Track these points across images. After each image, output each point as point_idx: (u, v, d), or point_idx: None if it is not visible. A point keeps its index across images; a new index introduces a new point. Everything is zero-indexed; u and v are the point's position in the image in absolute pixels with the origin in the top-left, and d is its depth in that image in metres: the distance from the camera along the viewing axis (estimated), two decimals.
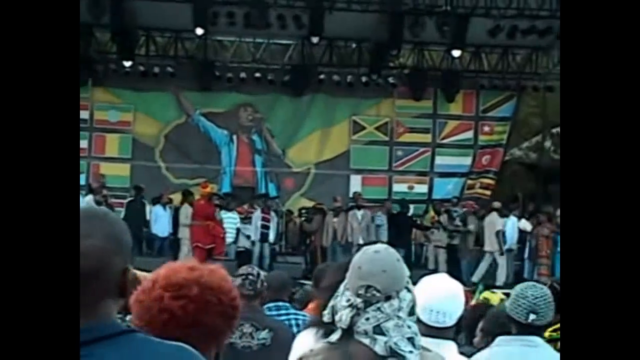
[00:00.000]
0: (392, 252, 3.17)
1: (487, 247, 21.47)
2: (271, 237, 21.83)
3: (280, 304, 6.71)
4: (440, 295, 3.81)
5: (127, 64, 23.83)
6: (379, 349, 3.02)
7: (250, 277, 6.09)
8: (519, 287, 4.62)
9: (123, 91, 24.83)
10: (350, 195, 24.32)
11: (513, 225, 21.78)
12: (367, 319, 3.03)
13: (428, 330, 3.68)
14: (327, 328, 4.42)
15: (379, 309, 3.03)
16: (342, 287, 3.15)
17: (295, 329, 6.22)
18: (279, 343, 5.61)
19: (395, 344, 3.01)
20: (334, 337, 3.12)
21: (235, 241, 21.76)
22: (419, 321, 3.62)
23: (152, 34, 24.80)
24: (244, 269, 6.31)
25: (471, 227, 22.07)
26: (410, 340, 3.04)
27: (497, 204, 21.99)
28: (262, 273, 6.34)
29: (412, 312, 3.11)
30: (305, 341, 4.56)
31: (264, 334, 5.82)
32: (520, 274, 21.10)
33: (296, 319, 6.55)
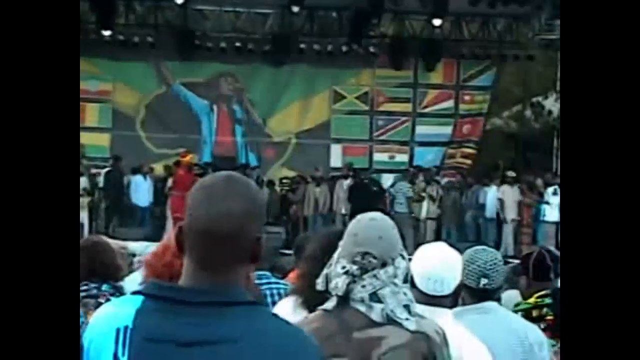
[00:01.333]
0: (387, 219, 3.20)
1: (509, 216, 21.48)
2: None
3: (261, 273, 6.69)
4: (437, 263, 3.80)
5: (107, 33, 23.63)
6: (376, 316, 3.05)
7: None
8: (468, 253, 4.50)
9: (102, 61, 24.61)
10: (335, 165, 24.46)
11: (494, 195, 21.84)
12: (363, 286, 3.06)
13: (425, 299, 3.67)
14: (309, 296, 4.45)
15: (374, 276, 3.06)
16: (335, 255, 3.17)
17: (276, 298, 6.21)
18: None
19: (392, 311, 3.04)
20: (329, 304, 3.14)
21: None
22: (416, 289, 3.65)
23: (132, 3, 24.56)
24: None
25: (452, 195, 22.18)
26: (406, 307, 3.07)
27: (511, 173, 21.91)
28: None
29: (406, 279, 3.14)
30: (285, 309, 4.59)
31: None
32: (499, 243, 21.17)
33: (278, 288, 6.54)
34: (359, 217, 3.22)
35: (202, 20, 25.25)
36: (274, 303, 5.95)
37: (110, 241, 6.40)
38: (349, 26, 24.19)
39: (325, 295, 3.73)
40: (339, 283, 3.07)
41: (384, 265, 3.07)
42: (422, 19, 24.12)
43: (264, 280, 6.58)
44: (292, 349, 2.19)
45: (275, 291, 6.45)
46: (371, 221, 3.16)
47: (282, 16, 24.40)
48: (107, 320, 2.21)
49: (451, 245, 4.13)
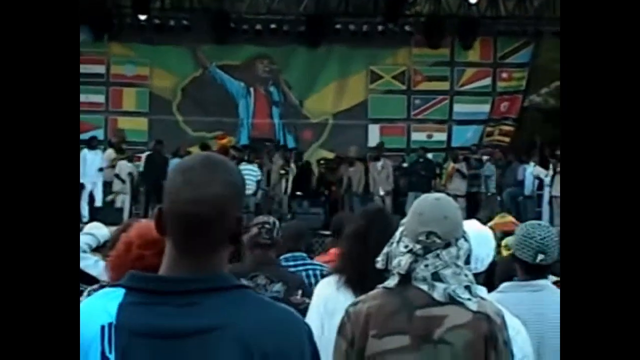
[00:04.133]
0: (452, 200, 3.25)
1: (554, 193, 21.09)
2: (289, 188, 21.87)
3: (297, 254, 6.66)
4: (471, 241, 3.80)
5: (143, 17, 23.70)
6: (438, 295, 3.07)
7: (267, 225, 5.94)
8: (524, 227, 4.49)
9: (139, 45, 24.76)
10: (372, 145, 24.48)
11: (532, 173, 21.70)
12: (426, 265, 3.08)
13: None
14: (352, 275, 4.46)
15: (437, 255, 3.08)
16: (397, 234, 3.18)
17: (312, 280, 6.21)
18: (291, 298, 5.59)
19: (454, 291, 3.06)
20: (391, 282, 3.15)
21: (255, 193, 21.75)
22: None
23: None
24: (260, 218, 6.22)
25: (488, 173, 22.02)
26: (468, 288, 3.09)
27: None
28: (277, 222, 6.26)
29: (468, 260, 3.16)
30: (328, 289, 4.59)
31: (277, 286, 5.78)
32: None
33: (313, 270, 6.52)
34: (423, 196, 3.25)
35: (237, 3, 25.28)
36: (311, 284, 5.95)
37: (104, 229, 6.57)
38: (385, 5, 24.08)
39: (367, 274, 3.76)
40: (402, 262, 3.09)
41: (447, 245, 3.09)
42: None
43: (299, 262, 6.58)
44: (283, 330, 2.16)
45: (311, 272, 6.45)
46: (437, 201, 3.18)
47: None
48: (90, 317, 2.18)
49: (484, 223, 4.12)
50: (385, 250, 3.19)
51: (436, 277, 3.06)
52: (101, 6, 23.43)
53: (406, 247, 3.10)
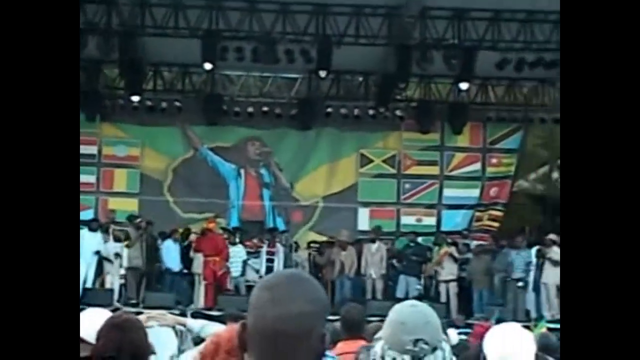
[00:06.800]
0: (425, 305, 3.17)
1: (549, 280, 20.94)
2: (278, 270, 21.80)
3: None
4: (514, 345, 3.77)
5: (135, 98, 23.83)
6: None
7: None
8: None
9: (131, 126, 24.89)
10: (362, 228, 24.62)
11: (522, 257, 21.66)
12: None
13: None
14: None
15: None
16: (378, 350, 3.09)
17: None
18: None
19: None
20: None
21: (243, 274, 21.80)
22: None
23: (160, 69, 24.84)
24: None
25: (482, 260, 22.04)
26: None
27: (553, 236, 21.20)
28: None
29: None
30: None
31: None
32: None
33: None
34: (398, 305, 3.17)
35: (229, 85, 25.50)
36: None
37: (169, 317, 6.38)
38: (376, 90, 24.31)
39: None
40: None
41: (434, 350, 3.03)
42: (448, 82, 24.25)
43: None
44: None
45: None
46: (414, 307, 3.12)
47: (309, 80, 24.57)
48: None
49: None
50: None
51: None
52: (94, 87, 23.57)
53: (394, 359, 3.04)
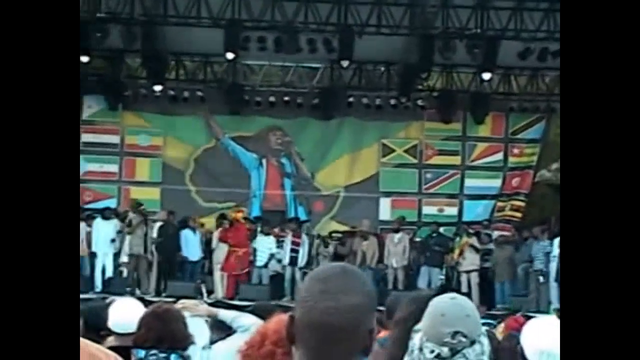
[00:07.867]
0: (466, 298, 3.16)
1: None
2: (302, 261, 21.80)
3: None
4: (552, 338, 3.75)
5: (157, 88, 23.91)
6: None
7: None
8: None
9: (153, 115, 24.96)
10: (383, 218, 24.65)
11: (543, 248, 21.59)
12: None
13: None
14: None
15: (464, 355, 2.98)
16: (417, 340, 3.03)
17: None
18: None
19: None
20: None
21: (266, 265, 21.79)
22: None
23: (182, 59, 24.91)
24: None
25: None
26: None
27: None
28: None
29: (490, 356, 3.08)
30: None
31: None
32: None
33: None
34: (438, 298, 3.12)
35: (251, 75, 25.53)
36: None
37: (202, 307, 6.40)
38: (398, 80, 24.28)
39: None
40: None
41: (472, 343, 3.00)
42: (470, 72, 24.19)
43: None
44: None
45: None
46: (454, 300, 3.07)
47: (331, 70, 24.57)
48: None
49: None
50: (407, 359, 3.11)
51: None
52: (116, 76, 23.68)
53: (432, 352, 2.97)
